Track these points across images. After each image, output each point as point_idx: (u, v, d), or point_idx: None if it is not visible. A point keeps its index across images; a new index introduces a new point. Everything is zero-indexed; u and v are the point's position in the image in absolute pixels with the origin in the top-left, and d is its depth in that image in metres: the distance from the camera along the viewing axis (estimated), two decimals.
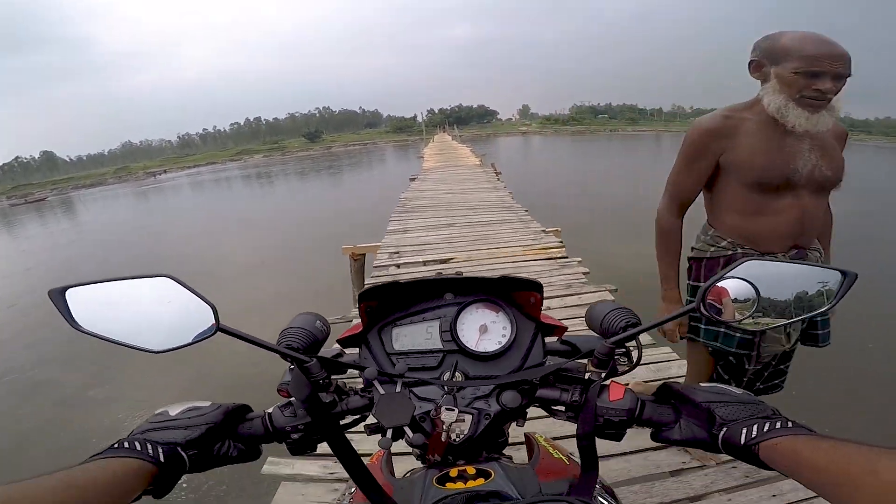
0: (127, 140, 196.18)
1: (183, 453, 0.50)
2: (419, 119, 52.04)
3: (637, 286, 3.01)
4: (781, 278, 0.51)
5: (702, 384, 0.56)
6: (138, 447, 0.47)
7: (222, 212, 19.83)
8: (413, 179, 12.46)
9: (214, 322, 0.52)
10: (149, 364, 4.64)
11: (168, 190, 37.46)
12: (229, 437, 0.58)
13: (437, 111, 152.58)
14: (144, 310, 0.51)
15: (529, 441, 0.83)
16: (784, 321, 0.52)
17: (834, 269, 0.50)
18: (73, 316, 0.48)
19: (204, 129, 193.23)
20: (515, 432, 0.77)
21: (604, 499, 0.62)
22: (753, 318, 0.51)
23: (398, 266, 4.67)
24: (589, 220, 10.52)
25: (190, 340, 0.52)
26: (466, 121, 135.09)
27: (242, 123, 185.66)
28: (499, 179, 11.08)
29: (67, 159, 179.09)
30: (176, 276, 0.51)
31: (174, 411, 0.55)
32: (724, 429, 0.49)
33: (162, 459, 0.47)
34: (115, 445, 0.47)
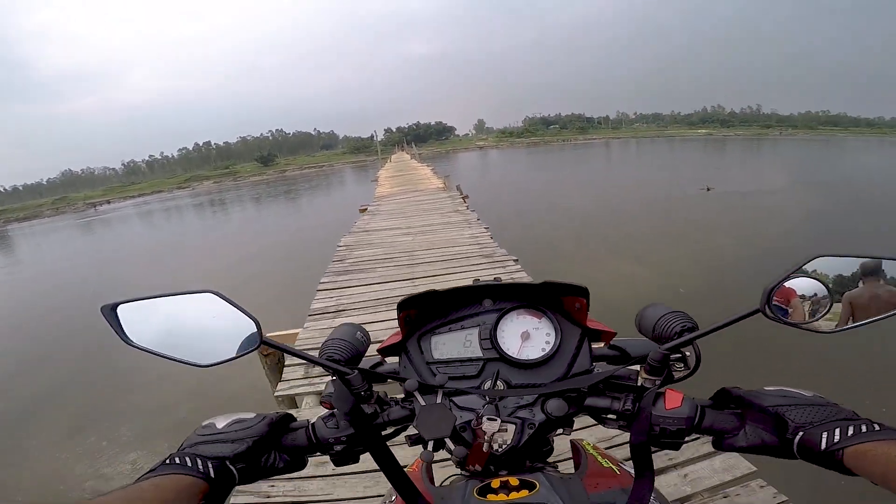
0: (67, 168, 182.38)
1: (232, 467, 0.51)
2: (375, 138, 50.94)
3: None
4: (856, 275, 0.47)
5: (766, 388, 0.52)
6: (189, 463, 0.47)
7: (164, 245, 18.24)
8: (363, 210, 10.36)
9: (258, 335, 0.53)
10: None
11: (98, 224, 34.77)
12: (275, 449, 0.58)
13: (394, 130, 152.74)
14: (191, 324, 0.52)
15: (576, 449, 0.79)
16: (862, 322, 0.47)
17: None
18: (126, 331, 0.49)
19: (150, 156, 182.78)
20: (562, 440, 0.75)
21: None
22: (825, 319, 0.48)
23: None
24: (585, 255, 9.16)
25: (234, 354, 0.52)
26: (425, 138, 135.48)
27: (192, 148, 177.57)
28: (467, 206, 9.55)
29: (1, 189, 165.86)
30: (220, 291, 0.51)
31: (220, 424, 0.55)
32: (801, 433, 0.45)
33: (213, 475, 0.48)
34: (167, 461, 0.48)
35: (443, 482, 0.71)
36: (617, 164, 36.87)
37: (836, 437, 0.42)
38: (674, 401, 0.55)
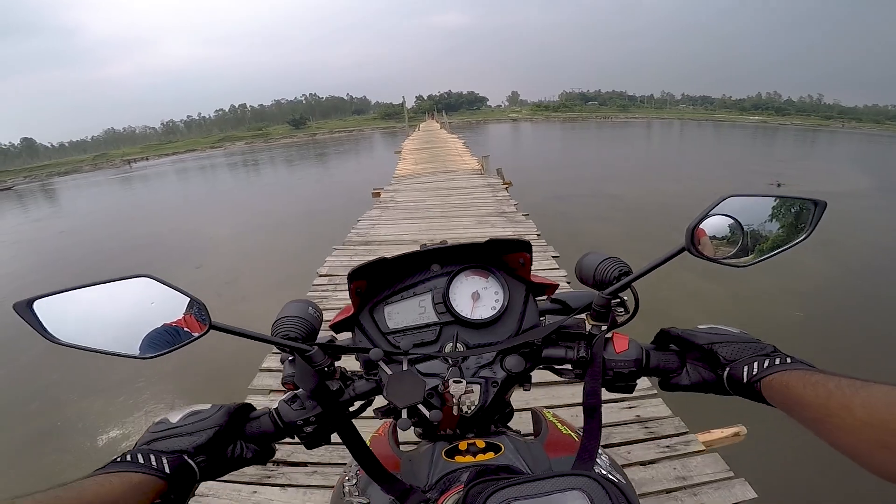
0: (110, 127, 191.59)
1: (191, 461, 0.48)
2: (405, 104, 48.81)
3: None
4: (761, 212, 0.53)
5: (700, 326, 0.57)
6: (141, 459, 0.44)
7: (186, 203, 17.63)
8: (376, 195, 8.39)
9: (206, 319, 0.49)
10: None
11: (136, 180, 34.86)
12: (239, 439, 0.56)
13: (425, 97, 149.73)
14: (126, 314, 0.48)
15: (537, 417, 0.81)
16: (768, 254, 0.53)
17: (806, 199, 0.52)
18: (47, 328, 0.44)
19: (188, 117, 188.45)
20: (523, 409, 0.79)
21: (610, 473, 0.63)
22: (738, 253, 0.52)
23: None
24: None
25: (181, 342, 0.49)
26: (456, 107, 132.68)
27: (227, 110, 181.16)
28: (509, 196, 7.43)
29: (49, 145, 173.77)
30: (156, 274, 0.48)
31: (175, 418, 0.52)
32: (728, 368, 0.50)
33: (167, 471, 0.45)
34: (118, 459, 0.44)
35: (414, 449, 0.72)
36: (663, 146, 33.54)
37: (755, 370, 0.47)
38: (622, 344, 0.59)
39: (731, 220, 0.52)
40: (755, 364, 0.48)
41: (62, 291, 0.46)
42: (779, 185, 13.99)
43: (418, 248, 0.70)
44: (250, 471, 1.93)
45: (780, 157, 25.14)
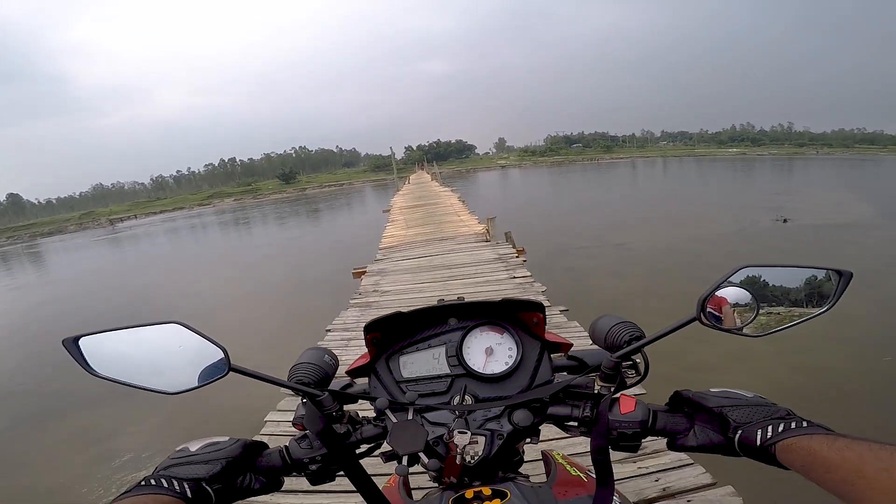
0: (98, 182, 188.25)
1: (208, 488, 0.52)
2: (393, 155, 48.49)
3: None
4: (778, 282, 0.52)
5: (712, 389, 0.57)
6: (165, 484, 0.49)
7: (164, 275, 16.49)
8: (359, 276, 7.12)
9: (226, 363, 0.54)
10: None
11: (112, 243, 33.80)
12: (250, 471, 0.59)
13: (415, 147, 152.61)
14: (157, 354, 0.53)
15: (546, 459, 0.83)
16: (783, 326, 0.52)
17: (829, 269, 0.50)
18: (89, 362, 0.50)
19: (178, 171, 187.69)
20: (533, 451, 0.79)
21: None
22: (752, 324, 0.52)
23: None
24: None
25: (203, 382, 0.54)
26: (445, 156, 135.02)
27: (217, 164, 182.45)
28: (530, 277, 5.75)
29: (36, 202, 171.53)
30: (185, 322, 0.53)
31: (194, 447, 0.56)
32: (740, 431, 0.49)
33: (189, 495, 0.49)
34: (143, 483, 0.49)
35: (423, 497, 0.73)
36: (654, 186, 33.73)
37: (769, 434, 0.46)
38: (628, 405, 0.60)
39: (747, 292, 0.51)
40: (769, 427, 0.47)
41: (105, 331, 0.52)
42: (785, 221, 13.38)
43: (436, 304, 0.72)
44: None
45: (775, 189, 24.96)
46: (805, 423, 0.46)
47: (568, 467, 0.75)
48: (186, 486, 0.49)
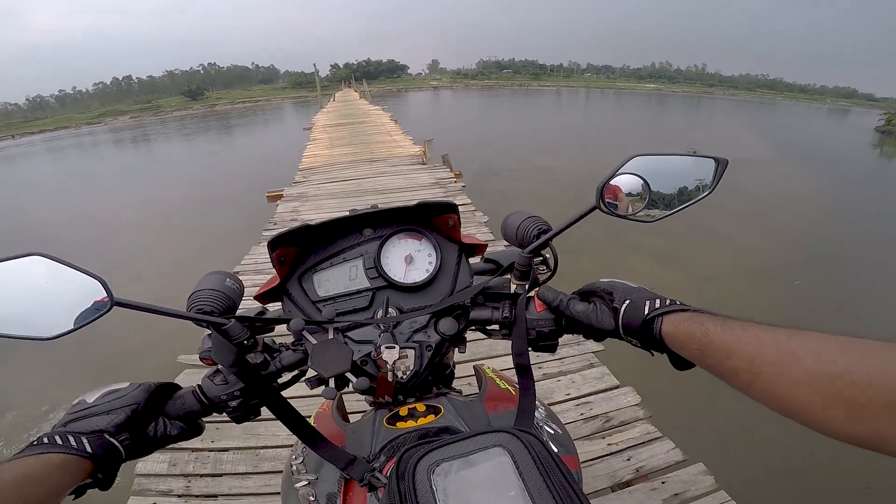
0: None
1: (113, 440, 0.48)
2: (317, 71, 43.35)
3: None
4: (665, 170, 0.54)
5: (601, 279, 0.58)
6: (59, 441, 0.44)
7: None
8: (274, 198, 6.38)
9: (107, 297, 0.47)
10: None
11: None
12: (162, 416, 0.54)
13: (342, 66, 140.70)
14: (22, 295, 0.46)
15: (478, 374, 0.84)
16: (672, 210, 0.55)
17: (707, 157, 0.54)
18: None
19: (61, 91, 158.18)
20: (468, 370, 0.80)
21: (546, 424, 0.66)
22: (646, 210, 0.55)
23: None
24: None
25: (82, 322, 0.47)
26: (375, 75, 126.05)
27: (109, 83, 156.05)
28: (471, 206, 5.22)
29: None
30: (49, 252, 0.45)
31: (91, 398, 0.51)
32: (626, 302, 0.51)
33: (90, 450, 0.45)
34: (35, 442, 0.44)
35: (358, 420, 0.72)
36: (576, 115, 34.62)
37: (657, 304, 0.48)
38: (541, 304, 0.60)
39: (640, 179, 0.53)
40: (657, 301, 0.48)
41: None
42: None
43: (347, 214, 0.68)
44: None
45: (685, 125, 26.71)
46: (684, 306, 0.47)
47: (498, 381, 0.76)
48: (86, 440, 0.45)
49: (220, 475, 1.85)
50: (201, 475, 1.85)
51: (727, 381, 0.37)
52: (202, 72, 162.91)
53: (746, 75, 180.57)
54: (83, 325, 0.47)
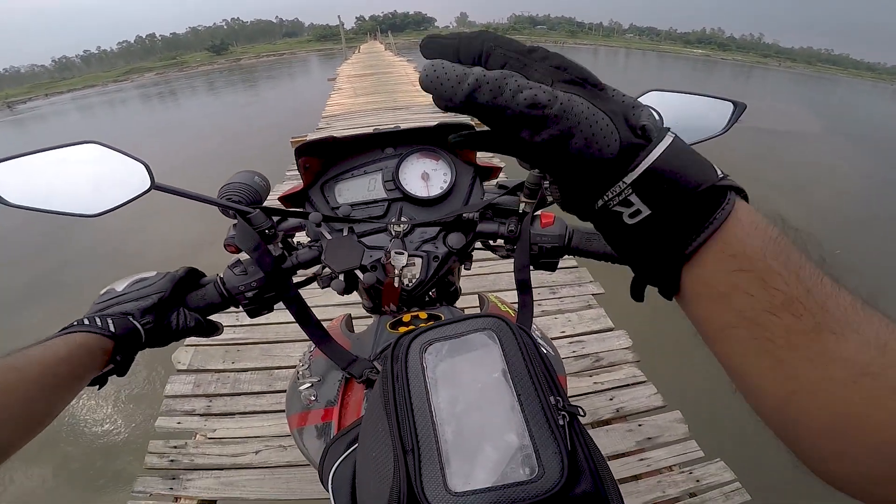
0: None
1: (136, 324, 0.50)
2: (342, 23, 41.81)
3: None
4: (681, 107, 0.54)
5: None
6: (86, 322, 0.48)
7: None
8: (297, 144, 6.90)
9: (149, 179, 0.51)
10: None
11: (29, 122, 28.88)
12: (183, 307, 0.57)
13: (367, 18, 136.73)
14: (74, 177, 0.50)
15: (482, 298, 0.87)
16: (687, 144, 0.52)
17: (726, 100, 0.53)
18: (0, 192, 0.47)
19: (85, 51, 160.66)
20: (472, 300, 0.83)
21: (541, 340, 0.69)
22: None
23: None
24: None
25: (125, 199, 0.51)
26: (401, 27, 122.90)
27: (133, 41, 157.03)
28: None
29: None
30: (102, 140, 0.50)
31: (120, 287, 0.54)
32: None
33: (112, 330, 0.48)
34: (74, 324, 0.48)
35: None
36: (614, 76, 32.66)
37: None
38: (547, 220, 0.64)
39: (654, 111, 0.54)
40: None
41: (14, 157, 0.48)
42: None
43: (370, 132, 0.71)
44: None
45: (731, 93, 24.66)
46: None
47: (499, 304, 0.79)
48: (111, 321, 0.48)
49: (238, 395, 1.97)
50: (221, 395, 1.97)
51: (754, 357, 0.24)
52: (226, 27, 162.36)
53: (808, 48, 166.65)
54: (125, 203, 0.50)
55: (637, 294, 0.31)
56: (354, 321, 0.87)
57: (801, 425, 0.22)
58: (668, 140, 0.25)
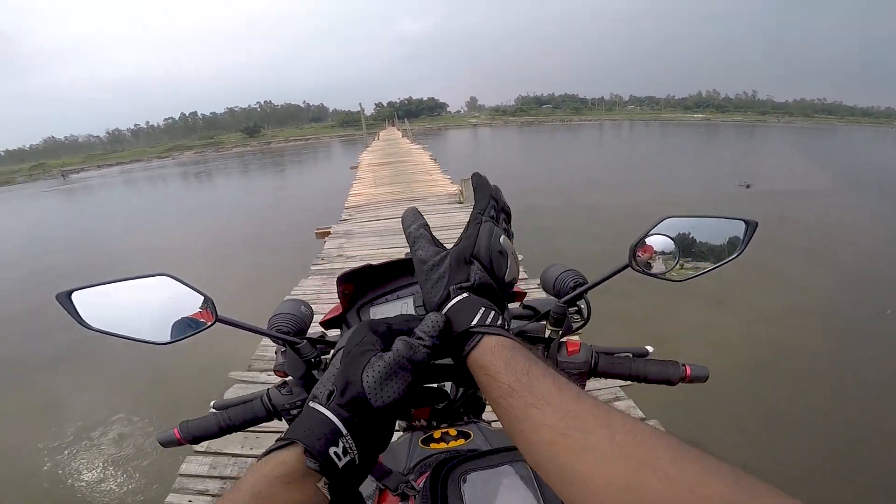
0: (50, 136, 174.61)
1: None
2: (363, 110, 45.38)
3: None
4: (695, 231, 0.56)
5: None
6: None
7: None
8: (322, 236, 6.90)
9: (213, 315, 0.55)
10: None
11: (58, 194, 31.68)
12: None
13: (385, 104, 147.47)
14: (148, 306, 0.54)
15: None
16: (702, 272, 0.56)
17: (738, 220, 0.54)
18: (82, 316, 0.51)
19: (136, 125, 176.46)
20: None
21: None
22: (677, 269, 0.57)
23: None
24: None
25: (192, 332, 0.55)
26: (416, 113, 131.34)
27: (178, 119, 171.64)
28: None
29: None
30: (174, 273, 0.54)
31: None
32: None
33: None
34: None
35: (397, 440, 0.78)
36: (621, 149, 34.04)
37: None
38: (574, 347, 0.66)
39: (670, 239, 0.56)
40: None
41: (96, 285, 0.52)
42: (748, 187, 13.85)
43: (403, 257, 0.74)
44: None
45: (738, 155, 25.69)
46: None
47: None
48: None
49: None
50: (237, 478, 2.01)
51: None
52: (258, 109, 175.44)
53: (801, 100, 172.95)
54: (192, 335, 0.55)
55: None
56: None
57: (543, 475, 0.32)
58: (457, 298, 0.43)
